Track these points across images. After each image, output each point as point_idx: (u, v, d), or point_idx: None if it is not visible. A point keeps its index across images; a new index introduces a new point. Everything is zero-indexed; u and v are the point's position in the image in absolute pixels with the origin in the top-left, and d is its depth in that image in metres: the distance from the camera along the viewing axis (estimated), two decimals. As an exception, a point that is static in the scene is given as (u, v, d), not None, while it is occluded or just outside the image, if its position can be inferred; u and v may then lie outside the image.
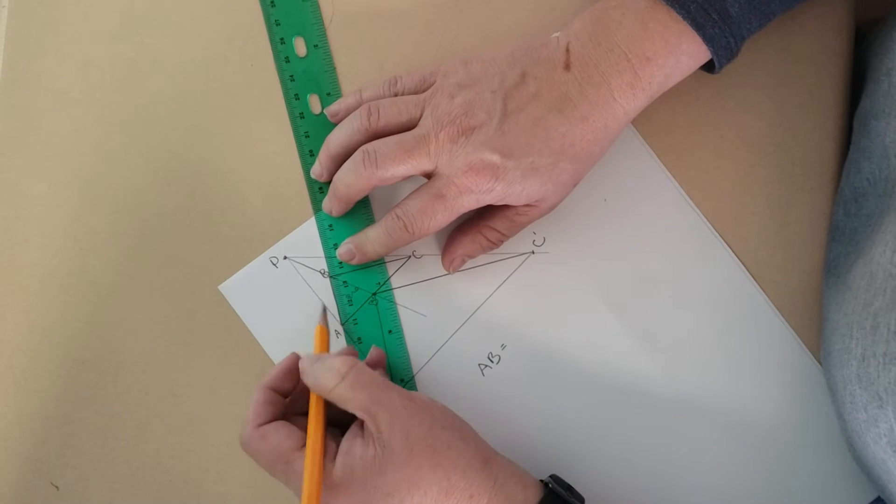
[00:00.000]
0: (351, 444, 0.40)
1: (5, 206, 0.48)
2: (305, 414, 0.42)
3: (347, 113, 0.47)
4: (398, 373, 0.48)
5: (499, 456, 0.43)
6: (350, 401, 0.40)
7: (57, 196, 0.48)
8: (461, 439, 0.41)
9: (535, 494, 0.41)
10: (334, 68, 0.49)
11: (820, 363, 0.48)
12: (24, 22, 0.49)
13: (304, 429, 0.41)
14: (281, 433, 0.41)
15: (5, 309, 0.47)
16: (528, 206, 0.45)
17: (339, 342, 0.48)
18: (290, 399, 0.44)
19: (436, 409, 0.42)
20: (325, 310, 0.48)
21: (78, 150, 0.48)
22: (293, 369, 0.43)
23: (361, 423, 0.41)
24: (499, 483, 0.41)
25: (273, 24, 0.49)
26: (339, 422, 0.43)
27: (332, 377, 0.41)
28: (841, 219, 0.48)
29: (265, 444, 0.40)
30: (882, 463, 0.41)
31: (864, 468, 0.45)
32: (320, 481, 0.39)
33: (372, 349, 0.47)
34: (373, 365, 0.45)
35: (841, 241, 0.47)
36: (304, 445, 0.40)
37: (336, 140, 0.46)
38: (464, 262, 0.47)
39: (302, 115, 0.49)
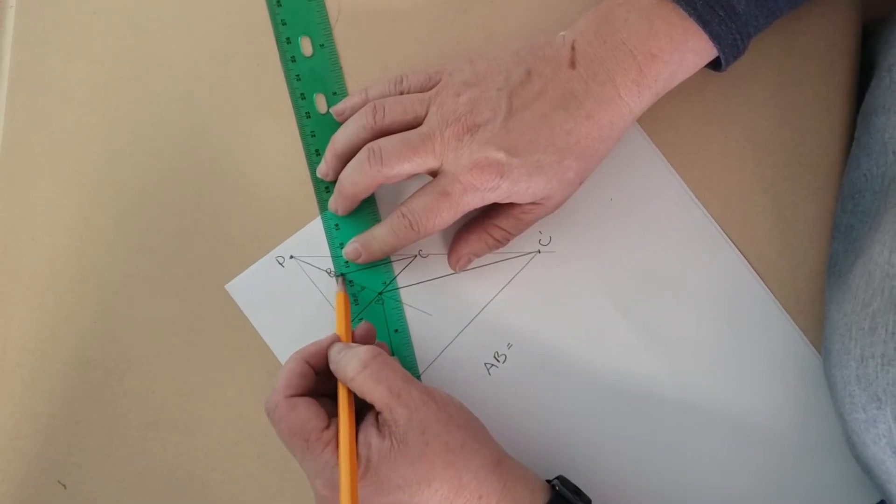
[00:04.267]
0: (366, 434, 0.40)
1: (12, 206, 0.48)
2: (329, 395, 0.42)
3: (353, 112, 0.47)
4: (404, 372, 0.47)
5: (509, 458, 0.42)
6: (369, 391, 0.40)
7: (63, 195, 0.48)
8: (475, 440, 0.41)
9: (542, 497, 0.41)
10: (340, 67, 0.49)
11: (826, 362, 0.48)
12: (31, 21, 0.49)
13: (329, 411, 0.41)
14: (310, 410, 0.41)
15: (12, 308, 0.47)
16: (533, 203, 0.45)
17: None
18: (318, 378, 0.43)
19: (453, 407, 0.42)
20: (341, 277, 0.48)
21: (84, 150, 0.48)
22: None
23: (376, 414, 0.41)
24: (508, 486, 0.41)
25: (279, 24, 0.49)
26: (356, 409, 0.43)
27: (354, 366, 0.41)
28: (839, 216, 0.47)
29: (293, 415, 0.40)
30: (881, 463, 0.41)
31: (864, 468, 0.45)
32: (356, 479, 0.39)
33: (361, 323, 0.46)
34: (362, 340, 0.45)
35: (838, 239, 0.47)
36: (327, 427, 0.40)
37: (342, 138, 0.46)
38: (470, 260, 0.47)
39: (308, 115, 0.49)
